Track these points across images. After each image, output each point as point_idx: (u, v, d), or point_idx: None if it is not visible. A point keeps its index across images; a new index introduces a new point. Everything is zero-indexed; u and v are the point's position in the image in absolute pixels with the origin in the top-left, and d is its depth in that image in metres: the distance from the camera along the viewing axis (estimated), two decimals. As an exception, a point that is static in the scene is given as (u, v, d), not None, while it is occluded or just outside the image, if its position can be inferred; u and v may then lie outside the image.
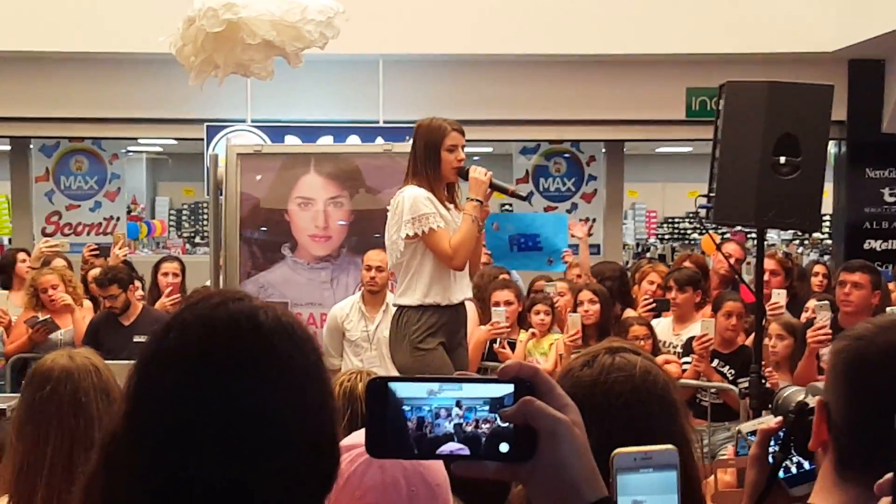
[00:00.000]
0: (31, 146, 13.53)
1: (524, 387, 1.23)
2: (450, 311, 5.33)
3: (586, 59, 11.76)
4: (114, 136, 13.32)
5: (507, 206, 15.41)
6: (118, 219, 13.89)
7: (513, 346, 7.11)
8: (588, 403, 1.93)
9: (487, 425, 1.23)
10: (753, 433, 2.15)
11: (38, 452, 2.75)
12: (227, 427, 1.34)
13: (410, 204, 5.17)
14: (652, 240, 21.80)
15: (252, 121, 10.14)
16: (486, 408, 1.23)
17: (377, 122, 10.81)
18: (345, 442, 1.68)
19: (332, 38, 6.78)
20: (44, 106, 11.98)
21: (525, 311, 7.21)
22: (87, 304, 7.79)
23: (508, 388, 1.24)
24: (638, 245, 20.70)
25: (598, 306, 6.88)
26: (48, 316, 7.35)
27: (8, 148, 13.81)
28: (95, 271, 7.95)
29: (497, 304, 7.12)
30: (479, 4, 11.29)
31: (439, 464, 2.01)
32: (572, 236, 8.95)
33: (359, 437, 1.87)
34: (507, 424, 1.22)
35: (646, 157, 20.01)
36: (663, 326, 7.03)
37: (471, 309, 7.75)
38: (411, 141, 5.47)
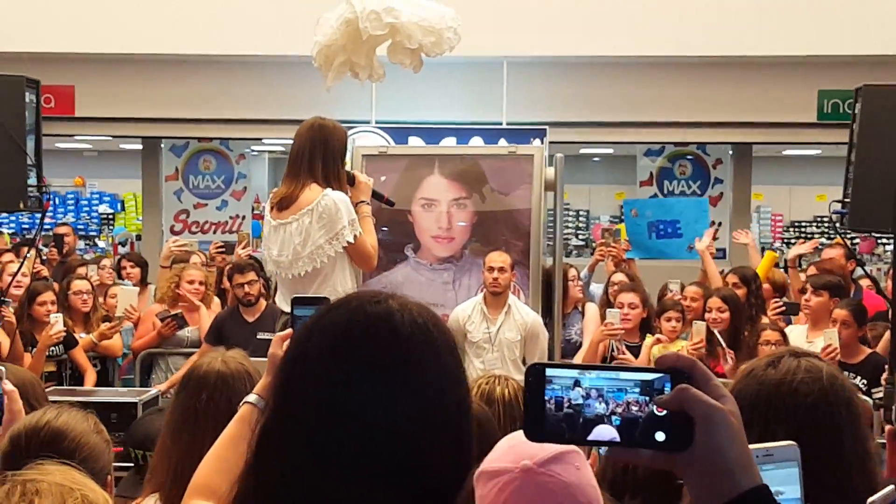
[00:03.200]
0: (162, 146, 13.84)
1: (681, 376, 1.25)
2: None
3: (714, 61, 11.58)
4: (241, 136, 13.54)
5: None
6: (243, 217, 14.12)
7: (634, 350, 7.03)
8: (774, 402, 1.92)
9: (636, 408, 1.25)
10: None
11: (194, 459, 2.77)
12: (366, 428, 1.38)
13: (345, 209, 5.08)
14: (777, 244, 21.32)
15: (376, 122, 10.21)
16: (637, 390, 1.26)
17: (500, 124, 10.79)
18: (490, 466, 1.66)
19: (457, 44, 6.86)
20: (175, 107, 12.27)
21: (651, 317, 7.14)
22: (216, 301, 7.95)
23: (660, 374, 1.27)
24: (763, 249, 20.26)
25: (727, 314, 6.74)
26: (179, 311, 7.51)
27: (140, 147, 14.17)
28: (232, 258, 8.15)
29: (621, 305, 7.09)
30: (603, 6, 11.21)
31: (597, 491, 1.98)
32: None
33: (504, 460, 1.86)
34: (662, 413, 1.24)
35: (772, 160, 19.58)
36: (798, 333, 6.84)
37: (592, 309, 7.74)
38: (309, 142, 5.19)
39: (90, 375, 7.15)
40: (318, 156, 5.16)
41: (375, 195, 5.49)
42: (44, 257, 9.65)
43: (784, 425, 1.48)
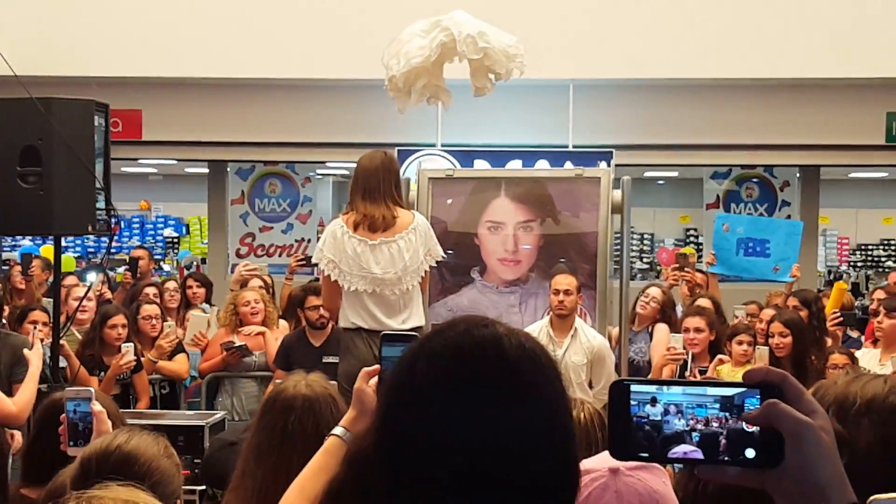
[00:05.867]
0: (228, 169, 13.91)
1: (771, 390, 1.23)
2: None
3: (781, 83, 11.46)
4: (307, 160, 13.59)
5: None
6: (308, 241, 14.12)
7: (703, 374, 6.93)
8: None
9: (717, 424, 1.23)
10: None
11: (279, 482, 2.77)
12: (474, 453, 1.36)
13: (431, 229, 5.56)
14: (843, 267, 21.02)
15: (442, 145, 10.21)
16: (717, 406, 1.24)
17: (566, 147, 10.75)
18: (581, 466, 1.68)
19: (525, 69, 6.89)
20: (241, 131, 12.36)
21: (721, 340, 7.04)
22: (283, 324, 7.96)
23: (741, 390, 1.24)
24: (829, 272, 19.99)
25: (789, 339, 6.62)
26: (244, 343, 7.53)
27: (206, 171, 14.28)
28: (299, 284, 8.20)
29: (687, 329, 6.99)
30: (669, 29, 11.15)
31: (673, 494, 1.98)
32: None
33: (593, 462, 1.88)
34: (752, 429, 1.22)
35: (838, 183, 19.32)
36: (870, 357, 6.72)
37: (663, 330, 7.63)
38: (383, 169, 5.50)
39: (143, 402, 7.15)
40: (391, 183, 5.49)
41: None
42: (114, 281, 9.73)
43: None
